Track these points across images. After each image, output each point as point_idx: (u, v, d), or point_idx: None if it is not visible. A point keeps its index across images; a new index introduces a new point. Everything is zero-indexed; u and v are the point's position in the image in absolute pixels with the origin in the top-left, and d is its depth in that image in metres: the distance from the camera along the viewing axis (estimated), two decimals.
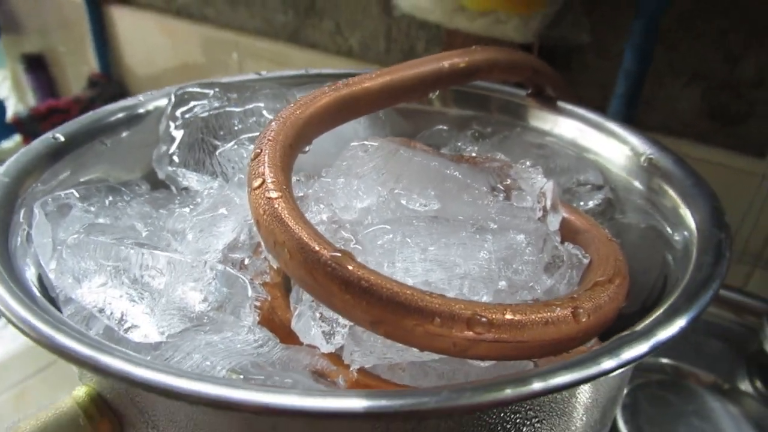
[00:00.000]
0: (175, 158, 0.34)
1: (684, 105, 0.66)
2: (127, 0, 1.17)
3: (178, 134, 0.35)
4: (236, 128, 0.35)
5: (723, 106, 0.63)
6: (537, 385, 0.17)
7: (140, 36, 1.19)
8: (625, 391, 0.48)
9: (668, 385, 0.49)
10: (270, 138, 0.25)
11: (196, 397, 0.16)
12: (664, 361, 0.53)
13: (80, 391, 0.22)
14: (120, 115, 0.34)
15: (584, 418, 0.23)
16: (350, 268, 0.20)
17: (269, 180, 0.23)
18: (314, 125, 0.28)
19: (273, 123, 0.27)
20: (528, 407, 0.20)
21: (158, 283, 0.22)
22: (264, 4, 0.99)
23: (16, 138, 1.30)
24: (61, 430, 0.21)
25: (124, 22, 1.19)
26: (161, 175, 0.34)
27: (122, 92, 1.24)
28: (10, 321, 0.19)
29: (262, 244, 0.23)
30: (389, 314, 0.20)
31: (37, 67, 1.41)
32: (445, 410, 0.16)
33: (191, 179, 0.33)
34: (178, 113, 0.36)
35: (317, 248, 0.21)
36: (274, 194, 0.22)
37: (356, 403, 0.17)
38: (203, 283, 0.22)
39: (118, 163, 0.34)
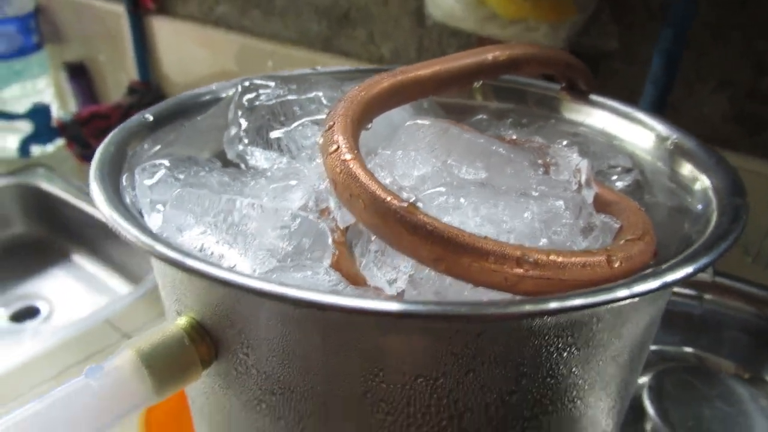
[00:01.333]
0: (245, 140, 0.38)
1: (711, 111, 0.68)
2: (168, 11, 1.22)
3: (246, 119, 0.39)
4: (297, 114, 0.39)
5: (750, 113, 0.65)
6: (576, 302, 0.21)
7: (178, 45, 1.24)
8: (651, 375, 0.51)
9: (693, 370, 0.52)
10: (340, 113, 0.29)
11: (309, 302, 0.20)
12: (689, 350, 0.56)
13: (182, 320, 0.26)
14: (197, 100, 0.38)
15: (613, 354, 0.26)
16: (417, 214, 0.24)
17: (343, 145, 0.27)
18: (375, 105, 0.32)
19: (341, 102, 0.31)
20: (568, 333, 0.23)
21: (250, 228, 0.26)
22: (299, 15, 1.03)
23: (58, 142, 1.36)
24: (169, 349, 0.24)
25: (163, 32, 1.24)
26: (231, 155, 0.38)
27: (161, 99, 1.29)
28: (152, 253, 0.23)
29: (337, 199, 0.27)
30: (450, 253, 0.23)
31: (79, 74, 1.47)
32: (504, 316, 0.20)
33: (260, 157, 0.36)
34: (245, 101, 0.40)
35: (389, 199, 0.24)
36: (348, 156, 0.26)
37: (428, 307, 0.21)
38: (289, 229, 0.26)
39: (192, 144, 0.38)
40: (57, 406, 0.22)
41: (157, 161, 0.32)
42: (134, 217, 0.26)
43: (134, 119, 0.34)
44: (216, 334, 0.26)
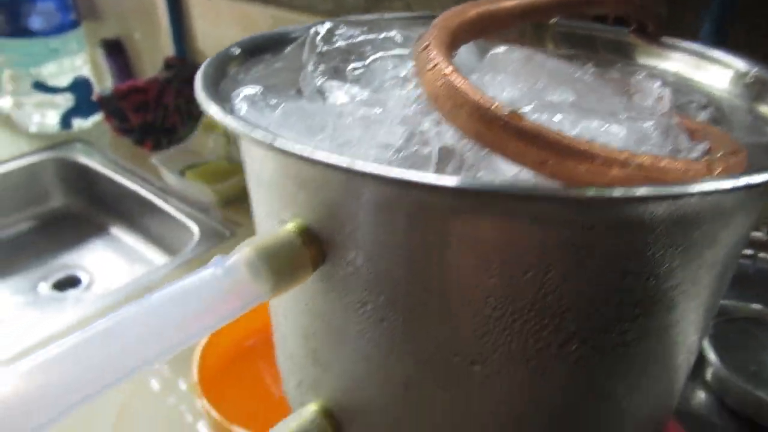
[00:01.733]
0: (323, 76, 0.39)
1: None
2: None
3: (321, 59, 0.40)
4: (371, 54, 0.40)
5: None
6: (701, 187, 0.21)
7: (213, 20, 1.25)
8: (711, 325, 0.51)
9: (753, 321, 0.52)
10: (433, 36, 0.30)
11: (434, 186, 0.21)
12: (747, 305, 0.56)
13: (290, 226, 0.27)
14: (282, 38, 0.40)
15: (710, 263, 0.27)
16: (522, 120, 0.25)
17: (441, 61, 0.28)
18: (462, 34, 0.33)
19: (432, 28, 0.31)
20: (674, 231, 0.24)
21: (354, 138, 0.27)
22: None
23: (96, 117, 1.39)
24: (284, 249, 0.25)
25: (198, 7, 1.26)
26: (308, 93, 0.39)
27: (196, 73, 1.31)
28: (279, 150, 0.24)
29: (438, 113, 0.27)
30: (556, 156, 0.24)
31: (115, 51, 1.49)
32: (622, 199, 0.21)
33: (338, 93, 0.37)
34: (318, 41, 0.41)
35: (493, 106, 0.25)
36: (448, 70, 0.27)
37: (553, 189, 0.22)
38: (395, 136, 0.27)
39: (272, 79, 0.39)
40: (185, 292, 0.23)
41: (252, 86, 0.33)
42: (250, 123, 0.27)
43: (223, 51, 0.35)
44: (325, 237, 0.27)
